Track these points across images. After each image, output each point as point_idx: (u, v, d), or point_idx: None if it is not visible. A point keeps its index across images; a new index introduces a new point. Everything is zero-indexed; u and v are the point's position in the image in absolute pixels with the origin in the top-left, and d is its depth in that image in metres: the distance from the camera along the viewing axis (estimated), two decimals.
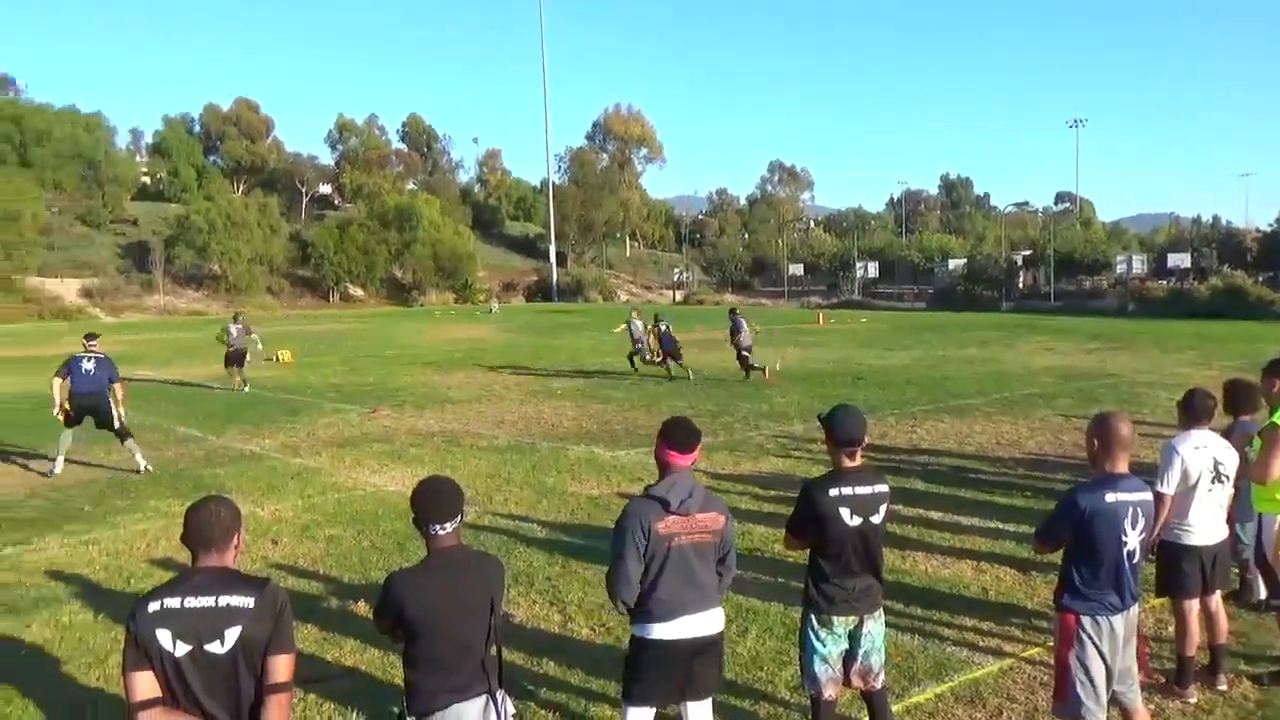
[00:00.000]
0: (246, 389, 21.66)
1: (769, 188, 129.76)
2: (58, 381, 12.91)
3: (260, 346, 24.55)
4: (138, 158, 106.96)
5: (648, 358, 23.25)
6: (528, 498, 10.80)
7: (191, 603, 3.14)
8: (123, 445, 13.01)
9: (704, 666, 4.23)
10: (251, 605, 3.16)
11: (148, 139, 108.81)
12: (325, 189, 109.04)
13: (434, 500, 3.66)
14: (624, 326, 24.41)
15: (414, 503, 3.68)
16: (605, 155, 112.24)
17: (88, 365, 13.05)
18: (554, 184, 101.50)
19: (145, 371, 25.76)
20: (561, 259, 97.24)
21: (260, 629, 3.16)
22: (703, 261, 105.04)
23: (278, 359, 28.87)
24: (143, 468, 12.74)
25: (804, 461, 12.34)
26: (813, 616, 4.56)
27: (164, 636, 3.10)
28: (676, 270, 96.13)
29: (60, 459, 12.83)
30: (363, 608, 7.13)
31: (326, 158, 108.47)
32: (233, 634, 3.13)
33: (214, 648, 3.11)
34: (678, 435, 4.26)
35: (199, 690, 3.13)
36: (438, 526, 3.61)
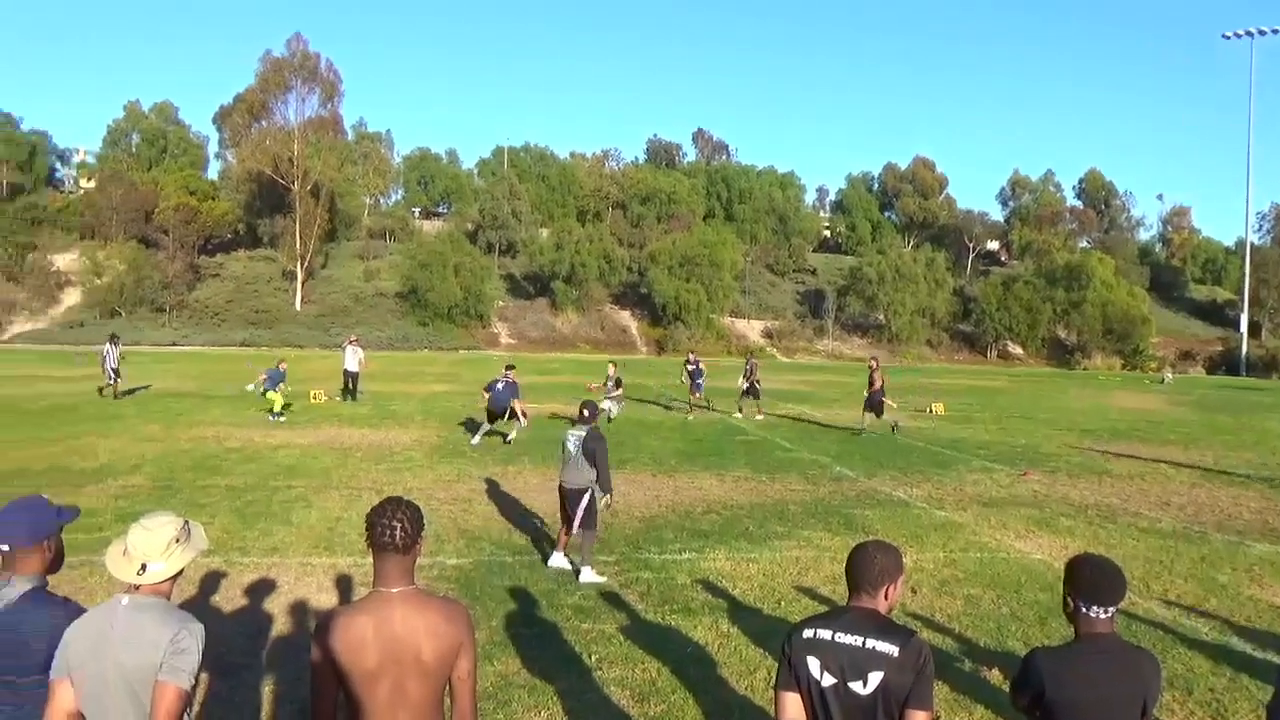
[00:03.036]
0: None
1: None
2: (485, 395, 19.20)
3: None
4: (821, 213, 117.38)
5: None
6: (1193, 592, 9.63)
7: (841, 638, 3.26)
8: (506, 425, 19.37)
9: None
10: (896, 654, 3.19)
11: (831, 196, 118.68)
12: (993, 245, 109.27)
13: (1097, 580, 3.40)
14: None
15: (1071, 578, 3.45)
16: None
17: (499, 386, 18.97)
18: (1252, 244, 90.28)
19: (807, 410, 27.79)
20: (1255, 329, 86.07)
21: (901, 679, 3.17)
22: None
23: (930, 410, 29.37)
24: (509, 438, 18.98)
25: None
26: None
27: (814, 664, 3.26)
28: None
29: (479, 437, 19.01)
30: (996, 676, 6.91)
31: (997, 214, 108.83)
32: (875, 678, 3.19)
33: (857, 687, 3.20)
34: None
35: None
36: (1097, 610, 3.36)
